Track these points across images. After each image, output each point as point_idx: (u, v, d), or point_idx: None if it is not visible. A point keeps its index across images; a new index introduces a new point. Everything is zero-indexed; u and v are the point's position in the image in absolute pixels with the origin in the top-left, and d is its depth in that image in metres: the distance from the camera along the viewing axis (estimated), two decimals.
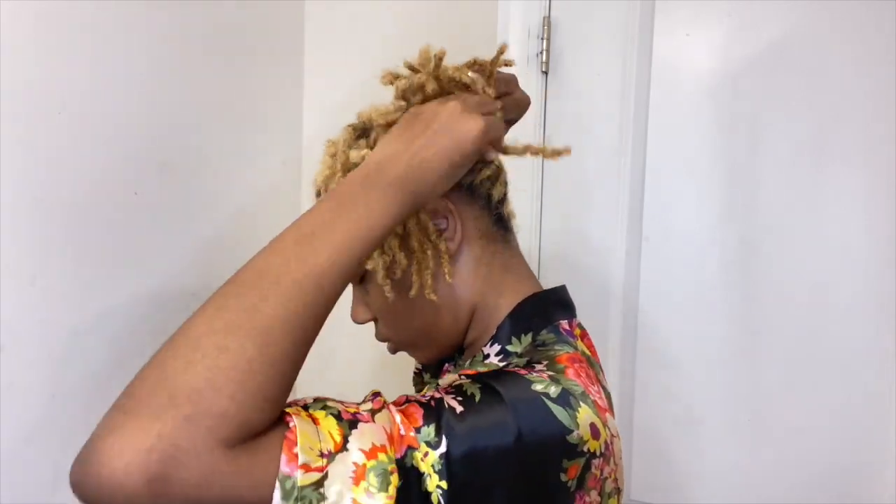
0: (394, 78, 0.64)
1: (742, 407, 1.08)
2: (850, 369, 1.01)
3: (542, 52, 1.15)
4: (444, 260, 0.63)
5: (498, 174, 0.68)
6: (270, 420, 0.47)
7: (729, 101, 1.07)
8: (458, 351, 0.72)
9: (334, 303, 0.52)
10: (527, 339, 0.63)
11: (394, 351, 0.72)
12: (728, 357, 1.08)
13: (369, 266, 0.64)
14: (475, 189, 0.66)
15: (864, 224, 1.00)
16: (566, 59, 1.15)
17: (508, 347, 0.63)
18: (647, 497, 1.14)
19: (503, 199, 0.68)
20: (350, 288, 0.71)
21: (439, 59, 0.62)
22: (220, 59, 1.10)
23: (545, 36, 1.15)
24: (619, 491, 0.59)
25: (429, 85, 0.61)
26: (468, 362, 0.65)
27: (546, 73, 1.15)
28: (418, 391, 0.76)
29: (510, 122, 0.71)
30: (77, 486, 0.43)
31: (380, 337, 0.72)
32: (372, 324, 0.73)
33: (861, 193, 1.00)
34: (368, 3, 1.27)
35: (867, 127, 1.00)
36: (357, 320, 0.71)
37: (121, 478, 0.41)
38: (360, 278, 0.69)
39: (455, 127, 0.56)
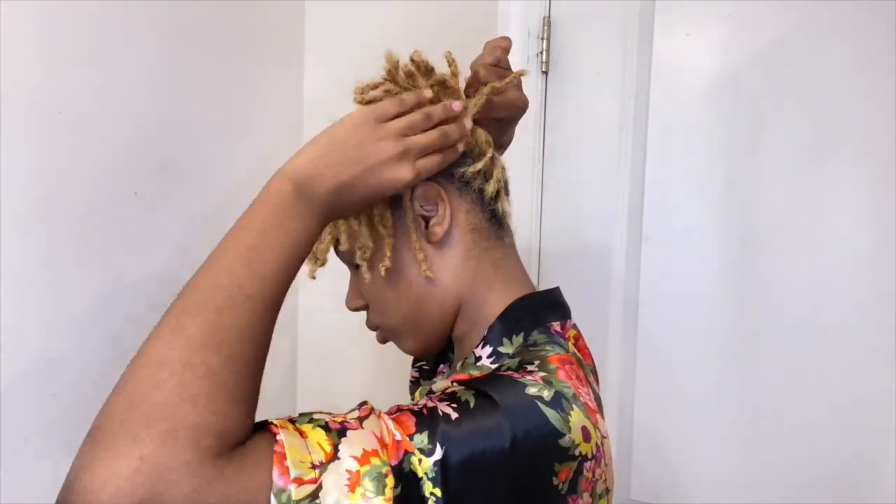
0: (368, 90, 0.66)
1: (742, 407, 1.08)
2: (850, 369, 1.01)
3: (542, 52, 1.15)
4: (416, 243, 0.64)
5: (491, 170, 0.67)
6: (247, 426, 0.47)
7: (729, 101, 1.07)
8: (448, 347, 0.72)
9: (281, 305, 0.54)
10: (518, 339, 0.63)
11: (382, 340, 0.73)
12: (728, 357, 1.08)
13: (348, 246, 0.66)
14: (467, 181, 0.65)
15: (864, 224, 1.00)
16: (566, 59, 1.15)
17: (500, 349, 0.63)
18: (647, 497, 1.14)
19: (497, 195, 0.68)
20: (346, 280, 0.71)
21: (414, 69, 0.64)
22: (220, 59, 1.10)
23: (545, 36, 1.15)
24: (608, 491, 0.59)
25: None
26: (459, 365, 0.65)
27: (546, 73, 1.15)
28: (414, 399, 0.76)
29: (511, 122, 0.71)
30: None
31: (370, 324, 0.72)
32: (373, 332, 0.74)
33: (861, 193, 1.00)
34: (368, 4, 1.27)
35: (867, 127, 0.99)
36: (349, 306, 0.72)
37: None
38: (356, 265, 0.69)
39: (384, 175, 0.59)
